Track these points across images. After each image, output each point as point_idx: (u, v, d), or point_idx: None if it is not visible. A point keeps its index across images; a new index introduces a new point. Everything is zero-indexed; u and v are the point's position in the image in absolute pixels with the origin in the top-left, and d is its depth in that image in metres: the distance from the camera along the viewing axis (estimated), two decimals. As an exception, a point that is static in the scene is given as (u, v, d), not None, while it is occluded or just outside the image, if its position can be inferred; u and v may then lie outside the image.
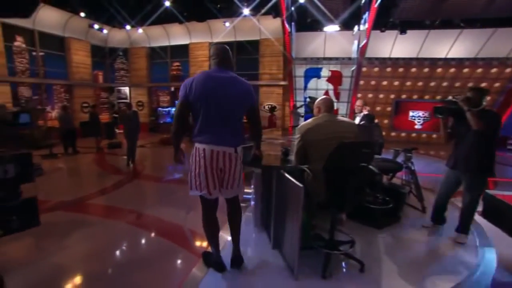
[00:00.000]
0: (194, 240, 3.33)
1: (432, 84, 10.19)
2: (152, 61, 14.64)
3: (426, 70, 10.05)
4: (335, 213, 2.59)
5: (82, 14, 10.59)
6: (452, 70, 9.85)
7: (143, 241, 3.44)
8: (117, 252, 3.15)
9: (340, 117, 2.53)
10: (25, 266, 2.76)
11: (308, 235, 2.77)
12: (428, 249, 3.05)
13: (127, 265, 2.83)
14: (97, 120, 10.03)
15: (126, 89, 15.28)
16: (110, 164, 7.97)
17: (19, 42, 10.96)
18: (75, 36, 12.24)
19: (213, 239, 2.41)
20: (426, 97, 10.28)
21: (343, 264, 2.66)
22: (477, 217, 3.85)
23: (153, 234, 3.58)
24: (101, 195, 5.15)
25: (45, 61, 11.66)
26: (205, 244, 3.04)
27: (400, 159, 4.39)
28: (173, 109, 12.48)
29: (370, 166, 2.42)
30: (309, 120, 2.53)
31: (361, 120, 4.70)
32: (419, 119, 10.37)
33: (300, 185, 2.19)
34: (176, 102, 2.65)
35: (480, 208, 4.00)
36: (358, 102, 5.05)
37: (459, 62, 9.72)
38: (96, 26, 11.52)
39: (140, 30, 12.70)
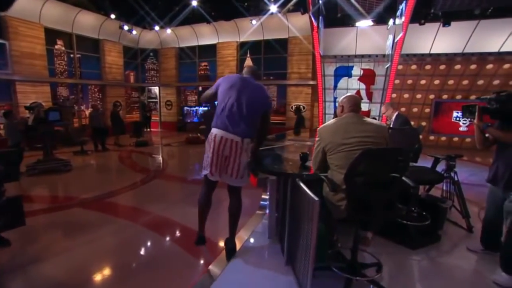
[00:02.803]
0: (206, 247, 3.10)
1: (480, 82, 9.05)
2: (180, 61, 14.84)
3: (473, 66, 8.94)
4: (359, 232, 2.20)
5: (113, 16, 10.90)
6: (507, 66, 8.62)
7: (152, 245, 3.31)
8: (123, 256, 3.03)
9: (368, 119, 2.14)
10: (36, 263, 2.73)
11: (326, 253, 2.41)
12: (475, 280, 2.52)
13: (128, 271, 2.71)
14: (118, 118, 10.35)
15: (156, 89, 15.68)
16: (134, 162, 8.09)
17: (59, 45, 11.66)
18: (108, 38, 12.73)
19: (202, 215, 2.78)
20: (472, 97, 9.16)
21: (368, 291, 2.26)
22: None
23: (163, 238, 3.45)
24: (121, 193, 5.17)
25: (81, 62, 12.27)
26: (215, 253, 2.86)
27: (440, 167, 3.82)
28: (200, 108, 12.53)
29: (404, 178, 2.02)
30: (330, 121, 2.18)
31: (393, 123, 4.18)
32: (464, 120, 9.29)
33: (316, 198, 1.85)
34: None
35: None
36: (384, 109, 4.51)
37: None
38: (126, 27, 11.82)
39: (169, 31, 12.88)
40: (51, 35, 10.93)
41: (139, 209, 4.43)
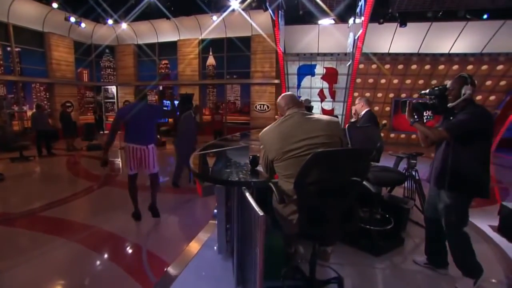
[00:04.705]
0: (150, 266, 2.69)
1: (434, 82, 9.44)
2: (139, 59, 13.92)
3: (427, 67, 9.35)
4: (316, 246, 1.91)
5: (55, 5, 9.72)
6: (456, 67, 9.13)
7: (88, 267, 2.78)
8: (50, 284, 2.53)
9: (316, 115, 1.81)
10: None
11: (280, 270, 2.10)
12: (439, 286, 2.35)
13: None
14: (68, 120, 9.38)
15: (113, 88, 14.56)
16: (83, 168, 7.28)
17: (-10, 36, 10.20)
18: (56, 31, 11.47)
19: (134, 198, 3.81)
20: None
21: (328, 312, 1.99)
22: (494, 234, 3.25)
23: (102, 258, 2.94)
24: (60, 205, 4.46)
25: (22, 57, 10.89)
26: (159, 272, 2.52)
27: (402, 165, 3.74)
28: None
29: (365, 183, 1.76)
30: (272, 124, 1.85)
31: (359, 120, 3.94)
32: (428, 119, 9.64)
33: (260, 212, 1.51)
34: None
35: (496, 223, 3.41)
36: (357, 102, 4.02)
37: (463, 58, 8.96)
38: (72, 19, 10.66)
39: (125, 26, 11.95)
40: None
41: (78, 223, 3.83)
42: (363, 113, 3.96)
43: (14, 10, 10.01)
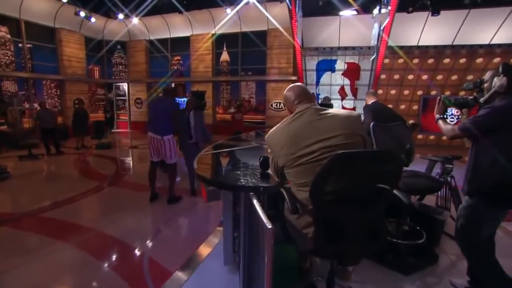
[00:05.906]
0: (151, 276, 2.46)
1: (470, 77, 8.43)
2: (151, 55, 13.75)
3: (462, 60, 8.38)
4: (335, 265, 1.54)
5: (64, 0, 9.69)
6: (497, 59, 8.05)
7: (84, 274, 2.56)
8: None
9: (331, 110, 1.47)
10: None
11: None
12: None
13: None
14: (85, 117, 9.31)
15: (124, 85, 14.45)
16: (91, 167, 7.13)
17: (2, 32, 10.29)
18: (66, 27, 11.39)
19: (152, 183, 4.28)
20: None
21: None
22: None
23: (100, 265, 2.73)
24: (63, 206, 4.28)
25: (33, 53, 10.85)
26: (160, 283, 2.34)
27: (435, 170, 3.26)
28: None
29: (396, 191, 1.38)
30: (279, 125, 1.52)
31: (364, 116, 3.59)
32: (452, 118, 8.76)
33: (269, 225, 1.15)
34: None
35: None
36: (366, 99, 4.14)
37: (507, 49, 7.86)
38: (82, 14, 10.49)
39: (136, 20, 11.75)
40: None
41: (80, 226, 3.61)
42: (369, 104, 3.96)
43: (26, 6, 9.98)
